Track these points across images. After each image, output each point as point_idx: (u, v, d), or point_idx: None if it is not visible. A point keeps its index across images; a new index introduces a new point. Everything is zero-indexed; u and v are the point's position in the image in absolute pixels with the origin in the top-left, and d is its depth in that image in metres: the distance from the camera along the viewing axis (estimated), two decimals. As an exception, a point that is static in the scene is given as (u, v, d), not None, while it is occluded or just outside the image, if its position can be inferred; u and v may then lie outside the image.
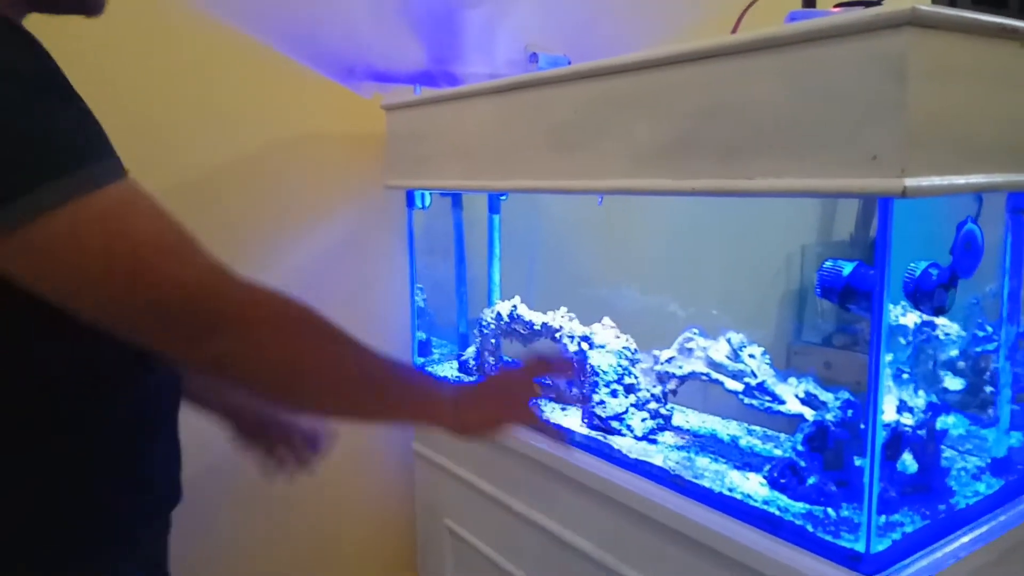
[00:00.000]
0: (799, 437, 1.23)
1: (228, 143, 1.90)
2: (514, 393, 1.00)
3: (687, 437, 1.50)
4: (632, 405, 1.52)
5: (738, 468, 1.34)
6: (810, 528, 1.12)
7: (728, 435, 1.51)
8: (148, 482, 0.93)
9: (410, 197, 1.99)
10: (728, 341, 1.39)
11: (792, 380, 1.33)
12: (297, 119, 2.00)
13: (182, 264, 0.72)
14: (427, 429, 1.00)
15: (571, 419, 1.61)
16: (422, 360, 2.12)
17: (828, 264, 1.22)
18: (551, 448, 1.55)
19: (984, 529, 1.15)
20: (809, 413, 1.26)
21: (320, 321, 0.82)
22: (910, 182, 0.91)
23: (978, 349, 1.23)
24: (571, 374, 1.19)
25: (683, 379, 1.43)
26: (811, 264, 3.60)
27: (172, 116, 1.81)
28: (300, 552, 2.11)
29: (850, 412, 1.23)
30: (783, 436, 1.46)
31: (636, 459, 1.40)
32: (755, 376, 1.33)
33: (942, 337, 1.24)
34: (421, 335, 2.09)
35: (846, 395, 1.25)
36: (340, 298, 2.03)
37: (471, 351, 1.99)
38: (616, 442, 1.47)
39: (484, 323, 1.93)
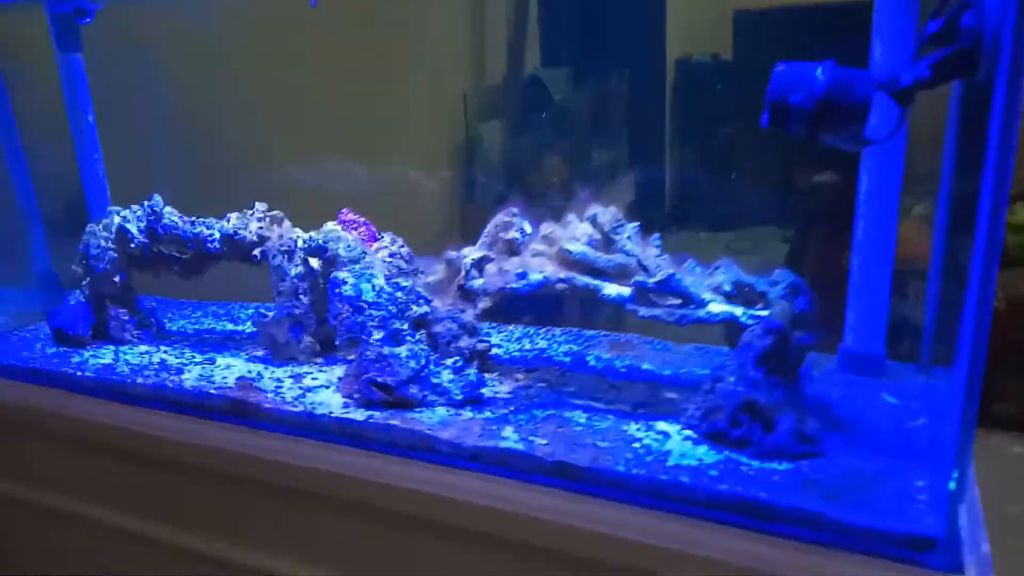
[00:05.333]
0: (750, 356, 0.76)
1: None
2: None
3: (523, 375, 0.95)
4: (430, 353, 0.89)
5: (633, 416, 0.84)
6: (838, 514, 0.68)
7: (566, 354, 1.00)
8: None
9: None
10: (593, 220, 0.84)
11: (689, 266, 0.84)
12: None
13: None
14: None
15: (326, 394, 0.92)
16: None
17: (782, 69, 0.72)
18: (268, 450, 0.86)
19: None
20: (738, 313, 0.79)
21: None
22: None
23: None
24: None
25: (523, 291, 0.85)
26: (476, 114, 3.19)
27: None
28: None
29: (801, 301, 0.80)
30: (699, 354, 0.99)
31: (473, 444, 0.81)
32: (647, 270, 0.81)
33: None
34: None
35: (787, 276, 0.81)
36: None
37: (77, 298, 1.12)
38: (420, 420, 0.85)
39: (95, 249, 1.07)
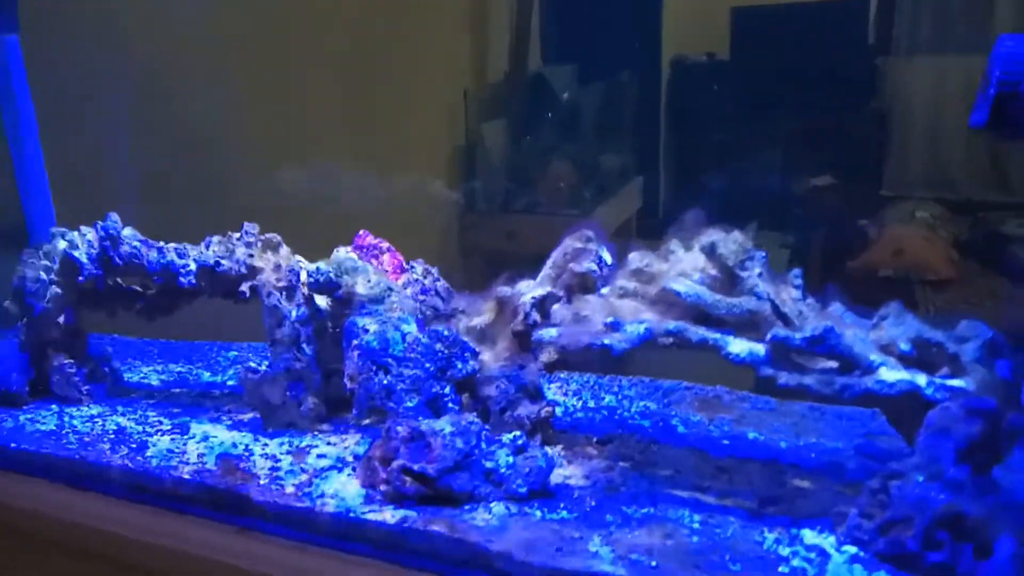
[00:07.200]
0: (947, 447, 0.54)
1: None
2: None
3: (596, 449, 0.72)
4: (481, 426, 0.66)
5: (764, 520, 0.61)
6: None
7: (642, 415, 0.78)
8: None
9: None
10: (710, 251, 0.62)
11: (837, 312, 0.62)
12: None
13: None
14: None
15: (340, 480, 0.69)
16: None
17: (1012, 44, 0.50)
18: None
19: None
20: (921, 383, 0.58)
21: None
22: None
23: None
24: None
25: (618, 351, 0.62)
26: (474, 113, 2.94)
27: None
28: None
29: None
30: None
31: (551, 564, 0.58)
32: (789, 320, 0.59)
33: None
34: None
35: (981, 329, 0.59)
36: None
37: (10, 344, 0.88)
38: (472, 524, 0.62)
39: (33, 283, 0.83)
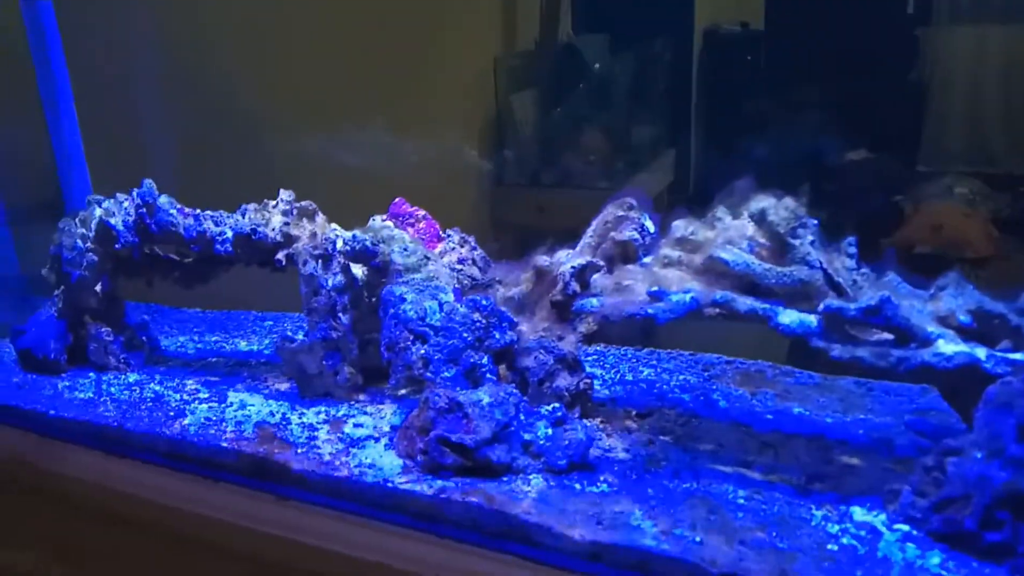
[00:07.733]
0: (1008, 423, 0.52)
1: None
2: None
3: (635, 422, 0.71)
4: (519, 398, 0.65)
5: (811, 497, 0.60)
6: None
7: (682, 388, 0.76)
8: None
9: None
10: (759, 218, 0.59)
11: (892, 282, 0.60)
12: None
13: None
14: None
15: (376, 450, 0.68)
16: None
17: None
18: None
19: None
20: (981, 356, 0.55)
21: None
22: None
23: None
24: None
25: (663, 319, 0.60)
26: (504, 82, 2.90)
27: None
28: None
29: (1067, 337, 0.55)
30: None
31: (591, 537, 0.57)
32: (842, 290, 0.57)
33: None
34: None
35: (1043, 300, 0.56)
36: None
37: (48, 312, 0.88)
38: (512, 497, 0.61)
39: (70, 251, 0.83)
